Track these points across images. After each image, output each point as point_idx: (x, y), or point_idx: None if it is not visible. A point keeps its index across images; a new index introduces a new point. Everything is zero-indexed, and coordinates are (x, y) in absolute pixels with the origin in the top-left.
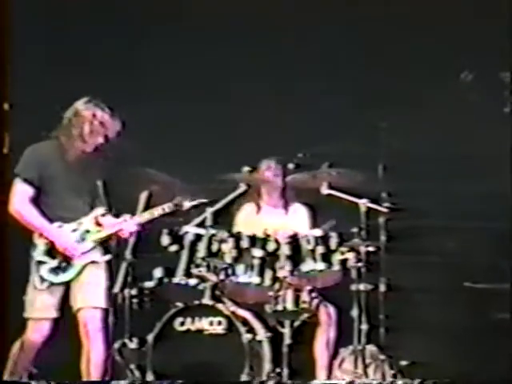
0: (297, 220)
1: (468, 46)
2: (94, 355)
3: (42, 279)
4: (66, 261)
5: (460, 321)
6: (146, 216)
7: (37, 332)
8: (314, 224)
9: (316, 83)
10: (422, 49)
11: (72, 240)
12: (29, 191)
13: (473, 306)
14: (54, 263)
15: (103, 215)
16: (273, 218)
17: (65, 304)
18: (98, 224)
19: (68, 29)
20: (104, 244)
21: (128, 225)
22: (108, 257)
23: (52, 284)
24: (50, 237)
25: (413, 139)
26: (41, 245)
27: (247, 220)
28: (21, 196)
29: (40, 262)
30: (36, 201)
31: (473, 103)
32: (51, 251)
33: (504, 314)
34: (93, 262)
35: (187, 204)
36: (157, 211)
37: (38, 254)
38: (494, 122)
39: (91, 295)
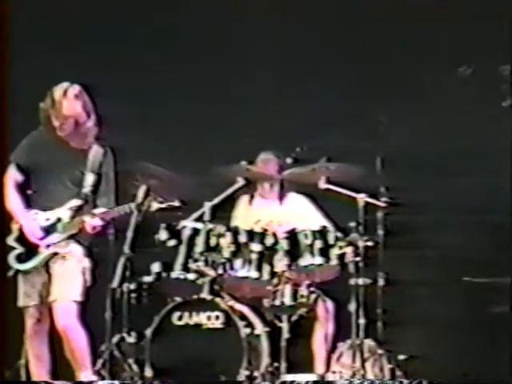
0: (293, 210)
1: (467, 40)
2: (75, 345)
3: (9, 266)
4: (32, 248)
5: (458, 315)
6: (111, 212)
7: (28, 319)
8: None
9: (315, 77)
10: (422, 43)
11: (39, 228)
12: (17, 177)
13: (471, 301)
14: (21, 250)
15: (79, 207)
16: (267, 209)
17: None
18: (73, 215)
19: (68, 22)
20: (76, 236)
21: (91, 221)
22: (70, 249)
23: (18, 271)
24: (20, 222)
25: (411, 133)
26: (15, 230)
27: (242, 212)
28: (10, 181)
29: (11, 248)
30: (27, 187)
31: (472, 97)
32: (21, 238)
33: (502, 308)
34: (68, 255)
35: (155, 205)
36: (123, 209)
37: (11, 239)
38: (493, 116)
39: (65, 288)
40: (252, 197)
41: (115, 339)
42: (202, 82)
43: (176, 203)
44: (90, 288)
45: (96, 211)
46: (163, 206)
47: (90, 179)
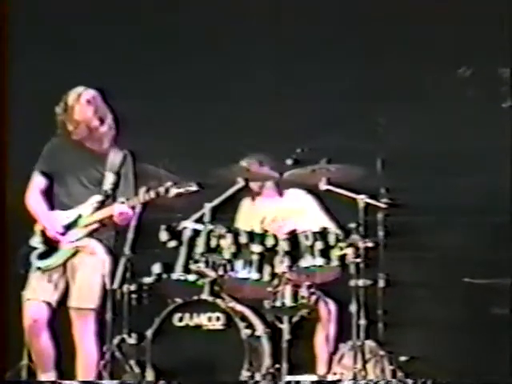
0: (294, 204)
1: (467, 41)
2: (84, 356)
3: (30, 264)
4: (54, 246)
5: (459, 316)
6: (134, 200)
7: (28, 313)
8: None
9: (315, 78)
10: (421, 44)
11: (60, 225)
12: (40, 183)
13: (471, 302)
14: (43, 248)
15: (101, 202)
16: (270, 206)
17: (63, 297)
18: (94, 212)
19: (68, 22)
20: (96, 232)
21: (119, 207)
22: (92, 246)
23: (38, 269)
24: (41, 222)
25: (411, 134)
26: (37, 231)
27: (246, 212)
28: (33, 187)
29: (34, 248)
30: (50, 191)
31: (472, 98)
32: (44, 237)
33: (503, 310)
34: (88, 260)
35: (174, 190)
36: (144, 196)
37: (34, 240)
38: (493, 117)
39: (83, 295)
40: (253, 197)
41: (116, 340)
42: (202, 82)
43: (193, 188)
44: None
45: (122, 199)
46: (181, 190)
47: (110, 178)
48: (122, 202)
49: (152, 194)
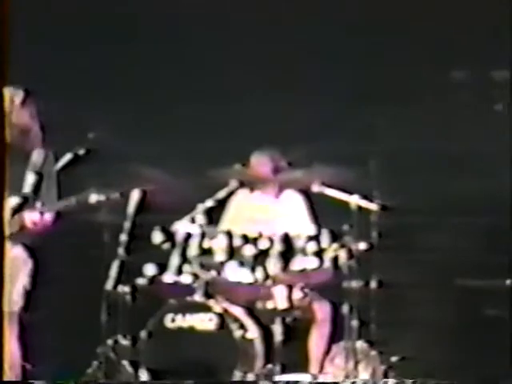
0: (289, 206)
1: (462, 44)
2: (9, 355)
3: None
4: None
5: (451, 318)
6: (52, 207)
7: None
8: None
9: (309, 80)
10: (416, 47)
11: None
12: None
13: (464, 303)
14: None
15: (18, 207)
16: (263, 204)
17: None
18: (12, 215)
19: (68, 22)
20: (16, 237)
21: (32, 214)
22: (19, 250)
23: None
24: None
25: (406, 136)
26: None
27: (239, 205)
28: None
29: None
30: None
31: (466, 101)
32: None
33: (496, 312)
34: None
35: (94, 197)
36: (63, 204)
37: None
38: (490, 119)
39: (7, 295)
40: (250, 190)
41: (110, 342)
42: (199, 82)
43: (116, 195)
44: (85, 290)
45: (36, 206)
46: (102, 198)
47: (30, 178)
48: (33, 210)
49: (73, 201)
